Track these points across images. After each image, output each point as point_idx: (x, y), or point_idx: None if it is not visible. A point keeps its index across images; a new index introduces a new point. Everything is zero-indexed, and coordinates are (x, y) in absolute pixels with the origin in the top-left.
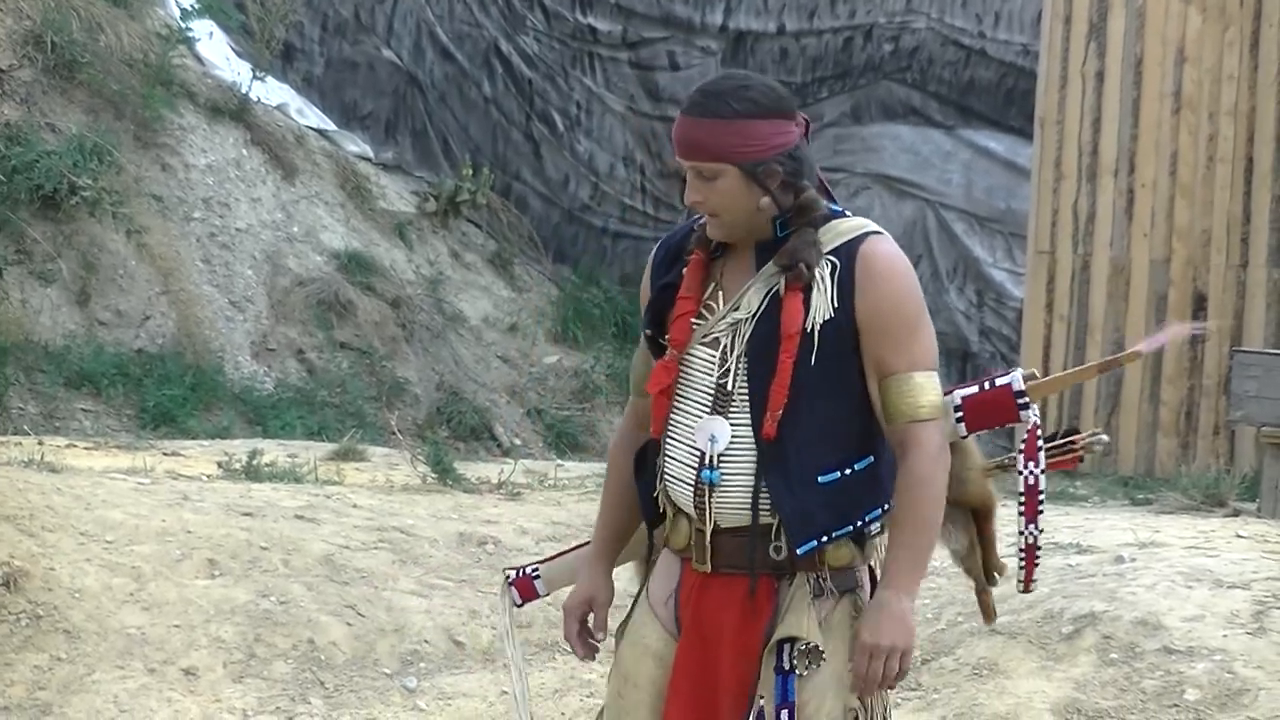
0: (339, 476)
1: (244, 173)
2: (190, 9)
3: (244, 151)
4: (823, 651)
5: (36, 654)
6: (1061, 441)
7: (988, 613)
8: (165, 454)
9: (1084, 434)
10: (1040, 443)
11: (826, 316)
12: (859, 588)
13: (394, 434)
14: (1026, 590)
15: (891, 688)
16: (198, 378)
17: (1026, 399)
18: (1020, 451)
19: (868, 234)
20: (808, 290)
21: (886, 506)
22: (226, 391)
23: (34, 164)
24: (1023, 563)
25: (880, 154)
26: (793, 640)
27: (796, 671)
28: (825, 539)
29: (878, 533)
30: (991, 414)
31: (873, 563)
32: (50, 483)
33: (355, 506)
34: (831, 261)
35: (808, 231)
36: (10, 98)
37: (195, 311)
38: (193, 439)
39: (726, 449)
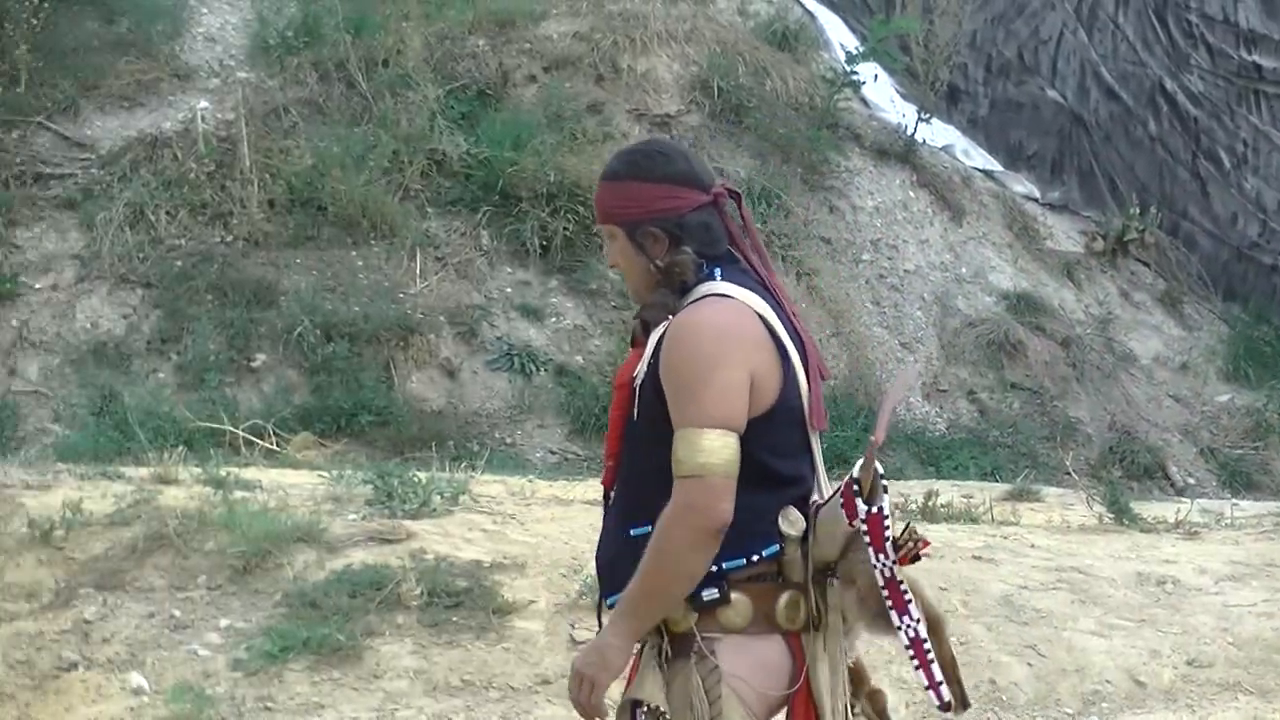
0: (1014, 517)
1: (911, 214)
2: (855, 53)
3: (911, 193)
4: (667, 714)
5: None
6: (901, 540)
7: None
8: None
9: (905, 534)
10: (887, 533)
11: (643, 373)
12: (700, 656)
13: (1068, 474)
14: (944, 706)
15: (586, 714)
16: (870, 419)
17: (858, 487)
18: (867, 544)
19: (698, 299)
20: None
21: (719, 567)
22: (900, 432)
23: None
24: (917, 664)
25: None
26: (640, 703)
27: None
28: None
29: (718, 600)
30: (850, 503)
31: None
32: None
33: (1033, 547)
34: (668, 322)
35: (662, 293)
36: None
37: (866, 353)
38: None
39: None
